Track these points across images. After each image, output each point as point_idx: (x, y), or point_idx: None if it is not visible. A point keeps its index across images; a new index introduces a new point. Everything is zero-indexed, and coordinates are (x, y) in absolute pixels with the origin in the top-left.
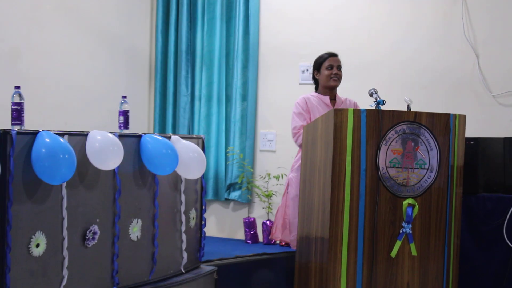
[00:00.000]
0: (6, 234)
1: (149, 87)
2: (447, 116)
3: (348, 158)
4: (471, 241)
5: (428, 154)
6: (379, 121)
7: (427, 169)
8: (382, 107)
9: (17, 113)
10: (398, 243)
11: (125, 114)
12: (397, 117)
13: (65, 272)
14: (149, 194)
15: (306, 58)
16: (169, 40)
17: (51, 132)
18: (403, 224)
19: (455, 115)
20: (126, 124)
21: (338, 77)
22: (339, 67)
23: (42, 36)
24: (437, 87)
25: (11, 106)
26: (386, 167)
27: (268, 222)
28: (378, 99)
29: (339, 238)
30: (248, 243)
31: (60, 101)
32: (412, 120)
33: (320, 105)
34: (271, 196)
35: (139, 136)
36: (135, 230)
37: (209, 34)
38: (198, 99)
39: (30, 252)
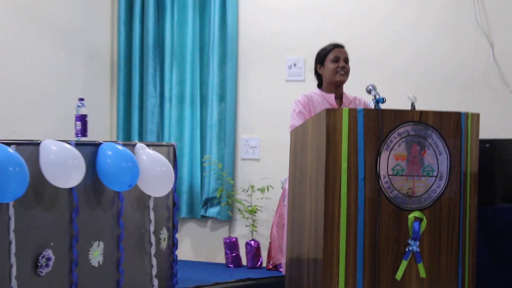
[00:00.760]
0: None
1: (111, 87)
2: (457, 115)
3: (344, 166)
4: (489, 260)
5: (437, 160)
6: (379, 122)
7: (436, 176)
8: (382, 106)
9: None
10: (404, 264)
11: (82, 119)
12: (399, 117)
13: None
14: (112, 212)
15: (294, 51)
16: (133, 33)
17: None
18: (409, 241)
19: (467, 113)
20: (83, 131)
21: (346, 71)
22: (346, 60)
23: None
24: (446, 81)
25: None
26: (388, 175)
27: (252, 242)
28: (377, 96)
29: (334, 259)
30: (230, 267)
31: (6, 105)
32: (417, 121)
33: (324, 104)
34: (255, 212)
35: (98, 145)
36: (96, 254)
37: (180, 25)
38: (168, 101)
39: None
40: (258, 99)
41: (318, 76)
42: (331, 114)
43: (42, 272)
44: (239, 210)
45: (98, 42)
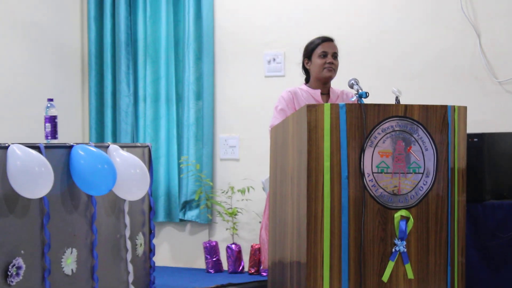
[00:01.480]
0: None
1: (82, 86)
2: (444, 108)
3: (326, 164)
4: (479, 259)
5: (423, 156)
6: (362, 117)
7: (423, 173)
8: (365, 101)
9: None
10: (390, 265)
11: (52, 120)
12: (383, 111)
13: None
14: (85, 217)
15: (272, 46)
16: (104, 29)
17: None
18: (396, 242)
19: (453, 107)
20: (54, 133)
21: (334, 67)
22: (334, 55)
23: None
24: (431, 74)
25: None
26: (373, 173)
27: (233, 246)
28: (360, 91)
29: (318, 261)
30: (210, 272)
31: None
32: (402, 115)
33: (309, 100)
34: (235, 215)
35: (70, 147)
36: (69, 261)
37: (153, 20)
38: (142, 100)
39: None
40: (236, 96)
41: (306, 71)
42: (312, 110)
43: (12, 282)
44: (219, 212)
45: (67, 39)
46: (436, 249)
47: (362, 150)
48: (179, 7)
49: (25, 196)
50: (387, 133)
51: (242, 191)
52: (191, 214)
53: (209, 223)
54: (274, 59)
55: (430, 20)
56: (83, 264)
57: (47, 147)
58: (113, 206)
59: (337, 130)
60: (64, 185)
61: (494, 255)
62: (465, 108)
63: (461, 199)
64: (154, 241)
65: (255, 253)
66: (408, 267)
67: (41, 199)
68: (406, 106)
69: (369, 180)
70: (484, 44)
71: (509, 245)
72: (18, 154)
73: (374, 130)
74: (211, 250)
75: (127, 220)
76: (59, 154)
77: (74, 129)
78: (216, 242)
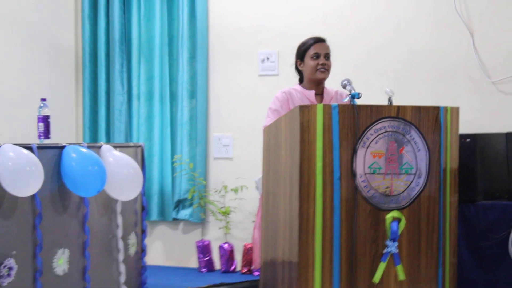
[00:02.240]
0: None
1: (76, 85)
2: (436, 109)
3: (319, 165)
4: (471, 260)
5: (416, 156)
6: (355, 118)
7: (415, 174)
8: (358, 101)
9: None
10: (382, 266)
11: (45, 120)
12: (376, 112)
13: None
14: (77, 217)
15: (266, 45)
16: (98, 28)
17: None
18: (388, 243)
19: (446, 108)
20: (46, 133)
21: (327, 68)
22: (327, 56)
23: None
24: (424, 74)
25: None
26: (365, 173)
27: (226, 245)
28: (353, 91)
29: (310, 262)
30: (203, 271)
31: None
32: (395, 116)
33: (303, 101)
34: (229, 214)
35: (62, 148)
36: (61, 262)
37: (147, 18)
38: (136, 98)
39: None
40: (230, 95)
41: (299, 71)
42: (305, 111)
43: (4, 283)
44: (212, 212)
45: (61, 38)
46: (428, 250)
47: (355, 151)
48: (173, 5)
49: (15, 194)
50: (380, 134)
51: (235, 190)
52: (184, 213)
53: (202, 222)
54: (267, 58)
55: (424, 20)
56: (75, 264)
57: (40, 147)
58: (106, 206)
59: (330, 130)
60: (56, 186)
61: (486, 255)
62: (458, 109)
63: (453, 199)
64: (147, 240)
65: (248, 252)
66: (399, 268)
67: (33, 199)
68: (398, 107)
69: (361, 181)
70: (477, 44)
71: (501, 246)
72: (9, 154)
73: (366, 131)
74: (203, 249)
75: (120, 220)
76: (51, 155)
77: (68, 128)
78: (209, 241)
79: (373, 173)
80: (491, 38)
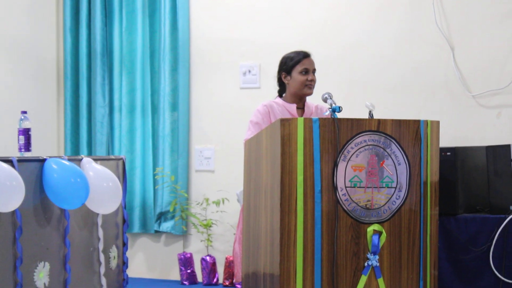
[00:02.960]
0: None
1: (57, 97)
2: (417, 123)
3: (300, 178)
4: (451, 272)
5: (396, 170)
6: (335, 132)
7: (395, 187)
8: (339, 115)
9: None
10: (363, 279)
11: (25, 133)
12: (356, 126)
13: None
14: (58, 230)
15: (248, 57)
16: (80, 40)
17: None
18: (369, 256)
19: (426, 121)
20: (27, 146)
21: (314, 84)
22: (314, 71)
23: None
24: (405, 88)
25: None
26: (346, 187)
27: (208, 257)
28: (334, 105)
29: (291, 275)
30: (185, 284)
31: None
32: (375, 130)
33: (284, 115)
34: (210, 226)
35: (43, 161)
36: (41, 275)
37: (129, 31)
38: (118, 111)
39: None
40: (212, 107)
41: (281, 84)
42: (286, 124)
43: None
44: (194, 224)
45: (42, 50)
46: (409, 263)
47: (335, 164)
48: (155, 18)
49: None
50: (360, 148)
51: (217, 203)
52: (166, 226)
53: (184, 235)
54: (249, 71)
55: (404, 34)
56: (55, 277)
57: (20, 160)
58: (87, 219)
59: (311, 144)
60: (37, 199)
61: (467, 268)
62: (438, 122)
63: (433, 213)
64: (129, 252)
65: (230, 265)
66: (380, 281)
67: (13, 212)
68: (379, 120)
69: (342, 194)
70: (458, 58)
71: (481, 259)
72: None
73: (347, 145)
74: (185, 261)
75: (101, 233)
76: (32, 168)
77: (50, 141)
78: (191, 254)
79: (354, 187)
80: (471, 52)
